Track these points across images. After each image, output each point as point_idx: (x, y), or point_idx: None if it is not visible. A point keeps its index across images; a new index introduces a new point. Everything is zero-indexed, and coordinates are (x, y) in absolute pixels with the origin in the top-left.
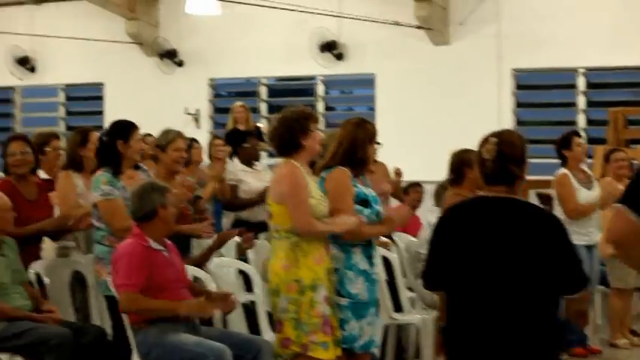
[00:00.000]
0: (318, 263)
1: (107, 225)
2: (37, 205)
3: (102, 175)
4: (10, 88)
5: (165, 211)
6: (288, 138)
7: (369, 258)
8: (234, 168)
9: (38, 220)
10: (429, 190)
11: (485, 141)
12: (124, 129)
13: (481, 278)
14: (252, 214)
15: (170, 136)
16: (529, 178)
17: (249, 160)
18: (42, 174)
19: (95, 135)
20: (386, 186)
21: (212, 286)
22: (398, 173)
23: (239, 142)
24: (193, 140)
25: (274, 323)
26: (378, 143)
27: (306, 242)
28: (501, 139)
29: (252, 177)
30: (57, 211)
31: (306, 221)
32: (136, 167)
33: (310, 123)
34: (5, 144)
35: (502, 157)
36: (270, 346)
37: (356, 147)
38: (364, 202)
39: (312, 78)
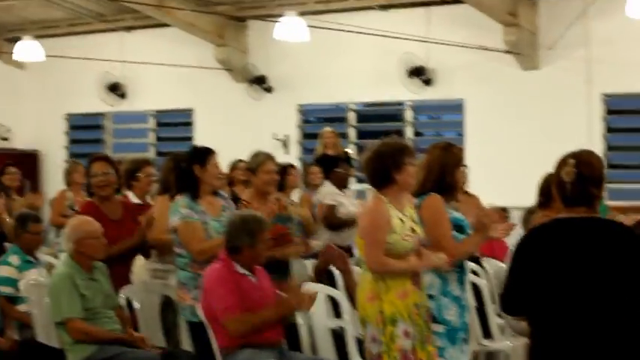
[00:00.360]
0: (400, 298)
1: (184, 247)
2: (121, 225)
3: (181, 200)
4: (101, 115)
5: (251, 250)
6: (381, 171)
7: (462, 284)
8: (330, 190)
9: (124, 240)
10: (517, 216)
11: (563, 163)
12: (201, 154)
13: (569, 301)
14: (342, 239)
15: (260, 159)
16: (621, 204)
17: (340, 185)
18: (134, 198)
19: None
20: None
21: (300, 312)
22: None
23: (331, 167)
24: (290, 166)
25: (364, 350)
26: (464, 166)
27: (389, 276)
28: (580, 160)
29: (347, 200)
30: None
31: (377, 260)
32: (215, 194)
33: (405, 157)
34: (88, 165)
35: (581, 178)
36: None
37: (444, 172)
38: (459, 227)
39: (400, 103)
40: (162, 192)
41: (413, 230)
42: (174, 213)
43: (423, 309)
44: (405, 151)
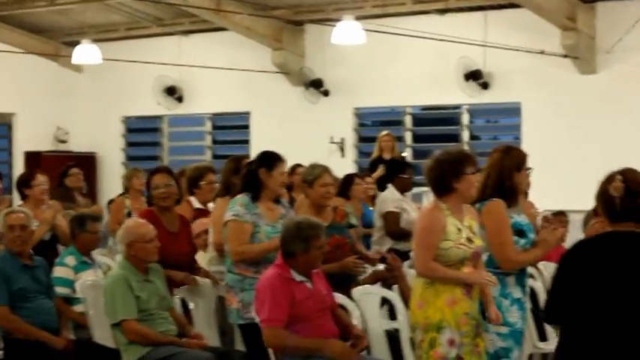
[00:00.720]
0: (449, 305)
1: (226, 243)
2: (177, 239)
3: (240, 198)
4: (158, 117)
5: (305, 256)
6: (441, 180)
7: (523, 286)
8: (394, 196)
9: (177, 253)
10: (575, 220)
11: (610, 179)
12: (269, 159)
13: (609, 314)
14: (407, 245)
15: (316, 172)
16: None
17: (404, 190)
18: (196, 203)
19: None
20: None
21: (356, 314)
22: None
23: (397, 172)
24: (356, 175)
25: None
26: (527, 169)
27: (439, 282)
28: (626, 177)
29: (409, 206)
30: (210, 235)
31: (425, 264)
32: (277, 201)
33: (465, 166)
34: (149, 177)
35: (630, 194)
36: None
37: (503, 176)
38: (520, 232)
39: (457, 107)
40: (222, 194)
41: (469, 240)
42: (229, 208)
43: (474, 320)
44: (465, 160)
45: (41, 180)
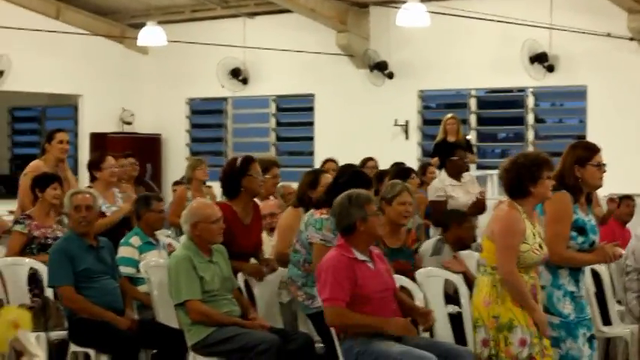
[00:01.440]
0: (518, 305)
1: (313, 265)
2: (249, 231)
3: (327, 221)
4: (223, 99)
5: (365, 224)
6: (517, 183)
7: (576, 281)
8: (442, 183)
9: (246, 245)
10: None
11: None
12: (361, 181)
13: None
14: None
15: (396, 189)
16: None
17: (457, 172)
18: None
19: (326, 178)
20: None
21: (419, 296)
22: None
23: (447, 155)
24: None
25: None
26: (597, 165)
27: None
28: None
29: (460, 190)
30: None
31: (509, 269)
32: None
33: (543, 170)
34: (244, 163)
35: None
36: (472, 356)
37: (565, 171)
38: (581, 229)
39: (522, 90)
40: (296, 205)
41: (540, 247)
42: (316, 228)
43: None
44: (543, 164)
45: (111, 162)
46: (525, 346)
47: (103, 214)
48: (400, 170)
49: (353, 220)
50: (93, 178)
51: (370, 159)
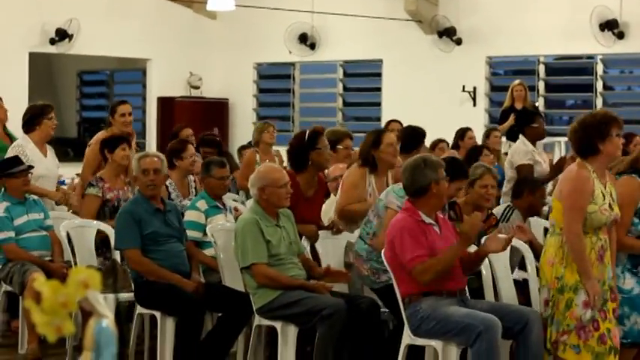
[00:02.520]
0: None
1: (377, 237)
2: (310, 204)
3: (400, 189)
4: (290, 64)
5: (438, 186)
6: (586, 142)
7: (633, 257)
8: (527, 148)
9: (309, 218)
10: None
11: None
12: (415, 139)
13: None
14: None
15: (478, 172)
16: None
17: (535, 140)
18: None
19: (389, 137)
20: None
21: (485, 262)
22: None
23: (527, 122)
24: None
25: None
26: None
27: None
28: None
29: (539, 157)
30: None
31: (573, 230)
32: None
33: (611, 128)
34: (312, 135)
35: None
36: (539, 317)
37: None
38: (638, 213)
39: (591, 57)
40: (360, 164)
41: (610, 207)
42: (399, 196)
43: (606, 285)
44: (611, 122)
45: (192, 152)
46: (588, 307)
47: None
48: (472, 150)
49: (427, 182)
50: (171, 165)
51: (441, 140)
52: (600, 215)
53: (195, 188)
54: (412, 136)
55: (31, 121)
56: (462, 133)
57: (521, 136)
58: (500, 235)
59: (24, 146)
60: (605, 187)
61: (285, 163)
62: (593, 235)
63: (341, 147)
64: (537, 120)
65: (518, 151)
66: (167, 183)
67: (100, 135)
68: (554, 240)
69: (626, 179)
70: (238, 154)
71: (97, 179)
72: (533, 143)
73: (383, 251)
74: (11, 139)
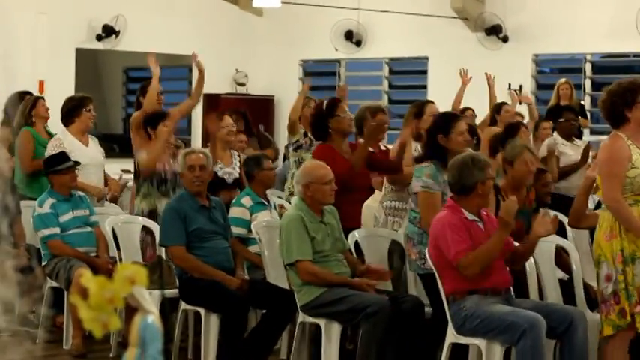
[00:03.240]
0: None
1: (420, 214)
2: (358, 175)
3: (426, 168)
4: (336, 61)
5: (484, 187)
6: (614, 110)
7: None
8: (554, 141)
9: (358, 187)
10: None
11: None
12: (445, 122)
13: None
14: (570, 187)
15: (517, 150)
16: None
17: (566, 135)
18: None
19: (432, 107)
20: None
21: (529, 261)
22: None
23: (555, 118)
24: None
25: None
26: None
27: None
28: None
29: (572, 150)
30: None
31: (612, 196)
32: None
33: (637, 95)
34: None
35: None
36: (583, 316)
37: None
38: None
39: (638, 55)
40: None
41: None
42: (417, 178)
43: None
44: (637, 89)
45: (228, 122)
46: None
47: (216, 176)
48: (510, 127)
49: (474, 182)
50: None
51: (468, 108)
52: None
53: (240, 165)
54: None
55: (69, 114)
56: (499, 108)
57: (555, 132)
58: (545, 218)
59: (62, 139)
60: None
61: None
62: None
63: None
64: (565, 115)
65: (543, 146)
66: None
67: (137, 115)
68: (607, 215)
69: None
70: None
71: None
72: (567, 138)
73: (427, 249)
74: (51, 136)
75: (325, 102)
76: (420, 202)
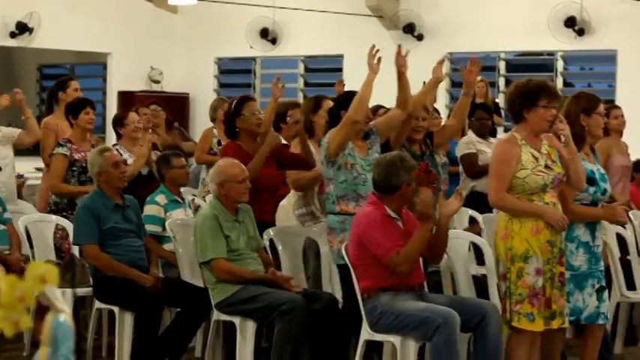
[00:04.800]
0: (534, 234)
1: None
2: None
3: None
4: (252, 59)
5: (408, 188)
6: (513, 108)
7: (592, 231)
8: (469, 139)
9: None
10: None
11: None
12: (349, 99)
13: None
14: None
15: None
16: None
17: (480, 133)
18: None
19: (327, 102)
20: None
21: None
22: None
23: (470, 116)
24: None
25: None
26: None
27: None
28: None
29: (489, 147)
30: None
31: (497, 197)
32: (366, 136)
33: (539, 98)
34: (238, 103)
35: None
36: (496, 309)
37: (570, 121)
38: (590, 180)
39: (551, 54)
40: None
41: (548, 167)
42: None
43: (556, 248)
44: (540, 92)
45: (134, 118)
46: (540, 274)
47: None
48: None
49: (400, 182)
50: (118, 136)
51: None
52: (535, 177)
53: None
54: None
55: None
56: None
57: (469, 130)
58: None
59: None
60: (539, 150)
61: None
62: (539, 200)
63: (290, 119)
64: (477, 113)
65: (460, 144)
66: (117, 147)
67: (50, 118)
68: (504, 215)
69: None
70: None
71: (65, 140)
72: (482, 136)
73: (344, 246)
74: None
75: (234, 101)
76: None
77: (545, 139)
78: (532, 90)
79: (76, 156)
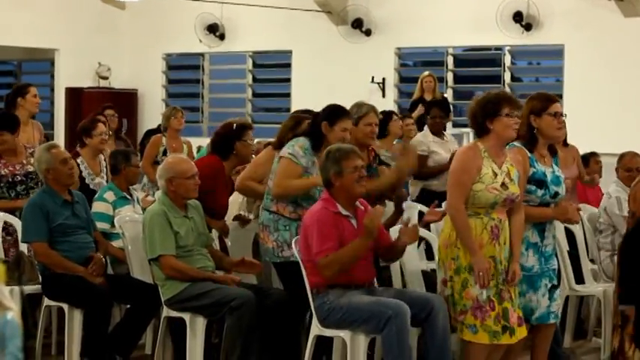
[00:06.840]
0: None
1: (274, 178)
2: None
3: (302, 140)
4: (200, 55)
5: (341, 180)
6: (477, 121)
7: (541, 232)
8: (426, 139)
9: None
10: (611, 163)
11: None
12: (333, 114)
13: None
14: (440, 185)
15: (363, 110)
16: None
17: (437, 131)
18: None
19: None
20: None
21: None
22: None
23: (426, 114)
24: (393, 113)
25: None
26: (557, 114)
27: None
28: None
29: (441, 147)
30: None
31: (454, 204)
32: None
33: (501, 108)
34: (242, 129)
35: None
36: (443, 302)
37: (524, 123)
38: (540, 182)
39: (499, 48)
40: (276, 147)
41: (504, 186)
42: (288, 146)
43: (500, 265)
44: (502, 101)
45: (102, 129)
46: (485, 287)
47: (87, 187)
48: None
49: (328, 175)
50: (82, 144)
51: None
52: (487, 194)
53: (107, 167)
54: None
55: None
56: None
57: (426, 127)
58: (409, 226)
59: None
60: (499, 167)
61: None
62: (485, 216)
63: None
64: (433, 111)
65: (415, 142)
66: (78, 161)
67: None
68: (450, 222)
69: (511, 150)
70: (145, 139)
71: None
72: (438, 134)
73: (295, 240)
74: None
75: (236, 124)
76: (279, 168)
77: (508, 163)
78: (493, 100)
79: (2, 171)
